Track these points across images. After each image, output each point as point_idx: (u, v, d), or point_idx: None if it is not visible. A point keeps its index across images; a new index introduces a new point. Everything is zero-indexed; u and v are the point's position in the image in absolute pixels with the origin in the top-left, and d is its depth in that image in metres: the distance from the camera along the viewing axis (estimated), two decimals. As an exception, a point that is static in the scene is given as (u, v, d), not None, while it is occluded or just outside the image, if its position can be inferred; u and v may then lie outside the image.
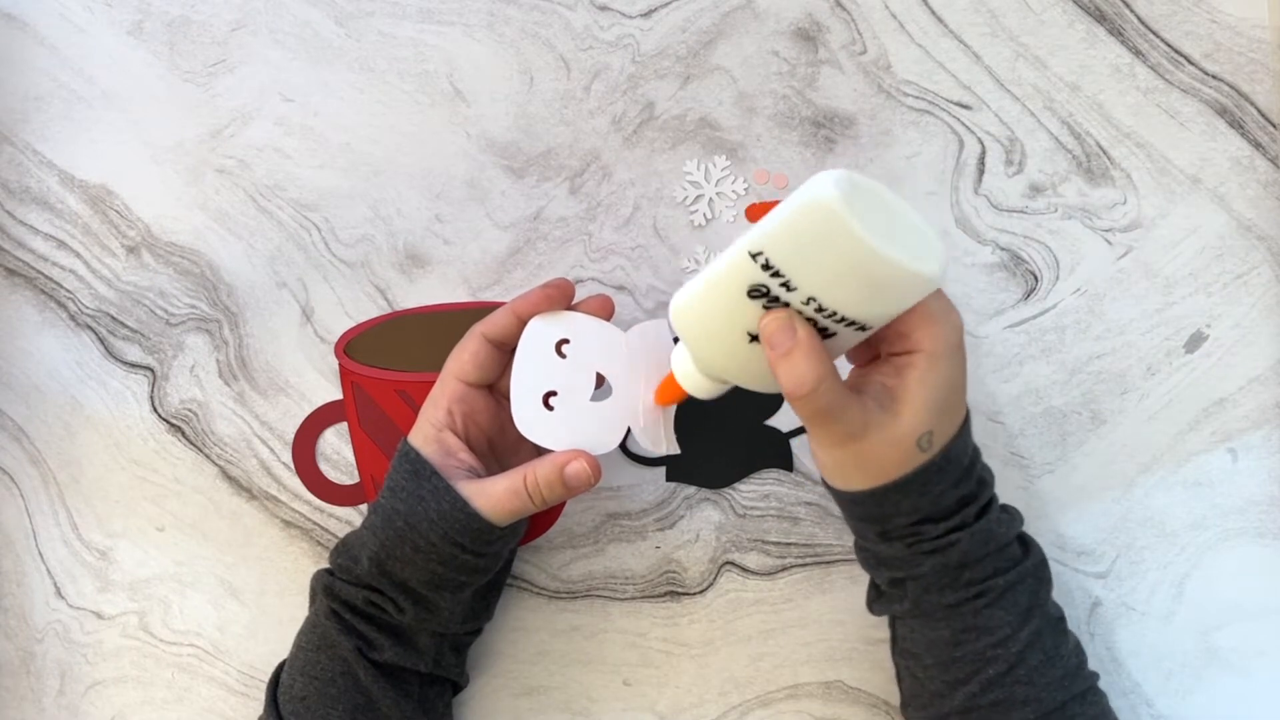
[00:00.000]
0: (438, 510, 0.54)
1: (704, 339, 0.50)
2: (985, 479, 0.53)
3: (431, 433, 0.55)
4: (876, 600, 0.55)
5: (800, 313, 0.47)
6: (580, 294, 0.63)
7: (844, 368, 0.52)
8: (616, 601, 0.63)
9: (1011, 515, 0.54)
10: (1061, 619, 0.54)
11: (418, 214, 0.64)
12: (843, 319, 0.47)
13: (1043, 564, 0.54)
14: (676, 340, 0.53)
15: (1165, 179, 0.62)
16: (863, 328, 0.48)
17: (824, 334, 0.48)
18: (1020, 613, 0.51)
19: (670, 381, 0.54)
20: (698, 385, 0.53)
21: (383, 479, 0.62)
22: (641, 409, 0.57)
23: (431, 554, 0.54)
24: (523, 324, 0.56)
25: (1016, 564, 0.52)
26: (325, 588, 0.56)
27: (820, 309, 0.46)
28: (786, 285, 0.46)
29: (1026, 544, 0.54)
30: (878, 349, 0.51)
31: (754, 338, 0.48)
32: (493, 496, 0.54)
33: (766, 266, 0.45)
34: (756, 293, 0.46)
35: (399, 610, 0.55)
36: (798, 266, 0.45)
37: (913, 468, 0.49)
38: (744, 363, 0.49)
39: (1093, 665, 0.61)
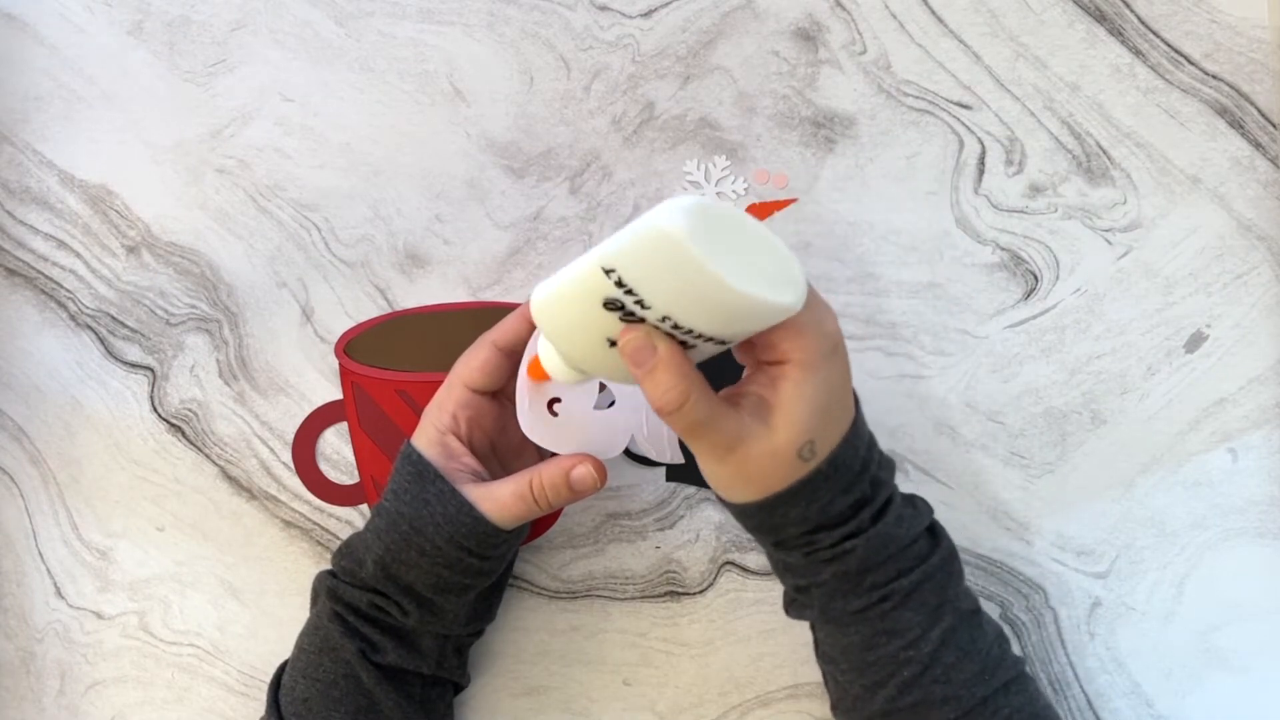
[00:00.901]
0: (443, 514, 0.53)
1: (564, 339, 0.49)
2: (881, 478, 0.51)
3: (435, 436, 0.55)
4: (790, 605, 0.55)
5: (657, 328, 0.46)
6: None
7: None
8: (616, 601, 0.63)
9: (917, 509, 0.52)
10: (976, 611, 0.53)
11: (418, 214, 0.64)
12: (700, 335, 0.46)
13: (951, 557, 0.53)
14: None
15: (1165, 179, 0.62)
16: (723, 342, 0.47)
17: (683, 345, 0.47)
18: (929, 611, 0.50)
19: (536, 363, 0.53)
20: (563, 374, 0.51)
21: (383, 479, 0.62)
22: (645, 418, 0.57)
23: (437, 558, 0.54)
24: (533, 328, 0.56)
25: (922, 562, 0.51)
26: (328, 590, 0.56)
27: (676, 326, 0.45)
28: (640, 303, 0.45)
29: (936, 535, 0.53)
30: (756, 354, 0.50)
31: (614, 343, 0.47)
32: (498, 500, 0.54)
33: (620, 284, 0.44)
34: (612, 305, 0.45)
35: (403, 613, 0.55)
36: (649, 288, 0.44)
37: (797, 478, 0.48)
38: (604, 363, 0.49)
39: (1093, 665, 0.61)
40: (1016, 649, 0.61)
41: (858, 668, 0.51)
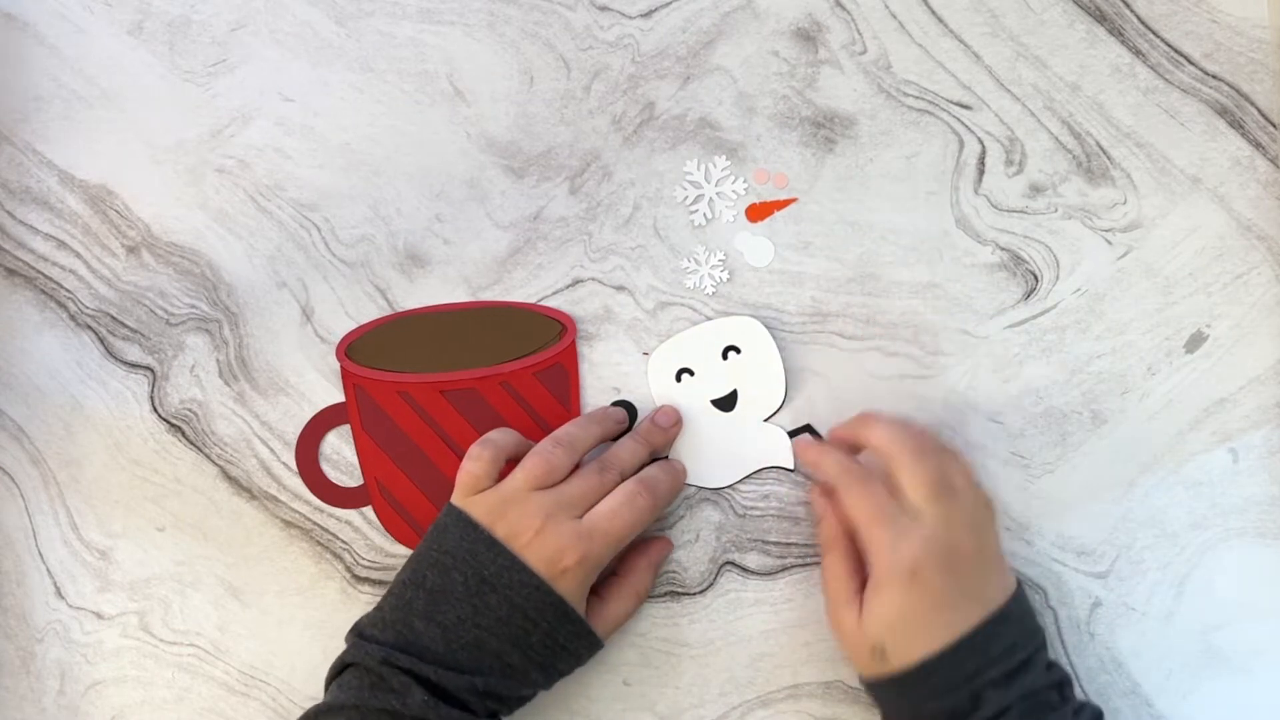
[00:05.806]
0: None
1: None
2: (986, 695, 0.51)
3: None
4: None
5: None
6: (580, 293, 0.63)
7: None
8: (616, 601, 0.63)
9: None
10: None
11: (418, 214, 0.64)
12: None
13: None
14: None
15: (1165, 179, 0.62)
16: None
17: None
18: None
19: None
20: None
21: (386, 481, 0.62)
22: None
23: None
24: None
25: None
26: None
27: None
28: None
29: None
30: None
31: None
32: (614, 619, 0.59)
33: None
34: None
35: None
36: None
37: (876, 673, 0.53)
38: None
39: (1093, 665, 0.61)
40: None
41: None
